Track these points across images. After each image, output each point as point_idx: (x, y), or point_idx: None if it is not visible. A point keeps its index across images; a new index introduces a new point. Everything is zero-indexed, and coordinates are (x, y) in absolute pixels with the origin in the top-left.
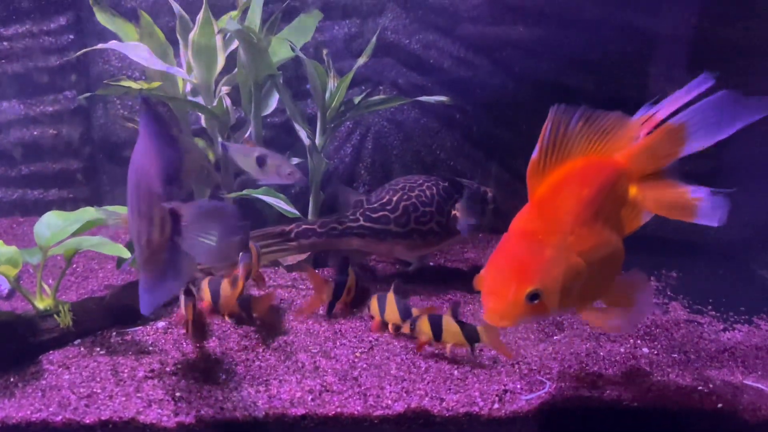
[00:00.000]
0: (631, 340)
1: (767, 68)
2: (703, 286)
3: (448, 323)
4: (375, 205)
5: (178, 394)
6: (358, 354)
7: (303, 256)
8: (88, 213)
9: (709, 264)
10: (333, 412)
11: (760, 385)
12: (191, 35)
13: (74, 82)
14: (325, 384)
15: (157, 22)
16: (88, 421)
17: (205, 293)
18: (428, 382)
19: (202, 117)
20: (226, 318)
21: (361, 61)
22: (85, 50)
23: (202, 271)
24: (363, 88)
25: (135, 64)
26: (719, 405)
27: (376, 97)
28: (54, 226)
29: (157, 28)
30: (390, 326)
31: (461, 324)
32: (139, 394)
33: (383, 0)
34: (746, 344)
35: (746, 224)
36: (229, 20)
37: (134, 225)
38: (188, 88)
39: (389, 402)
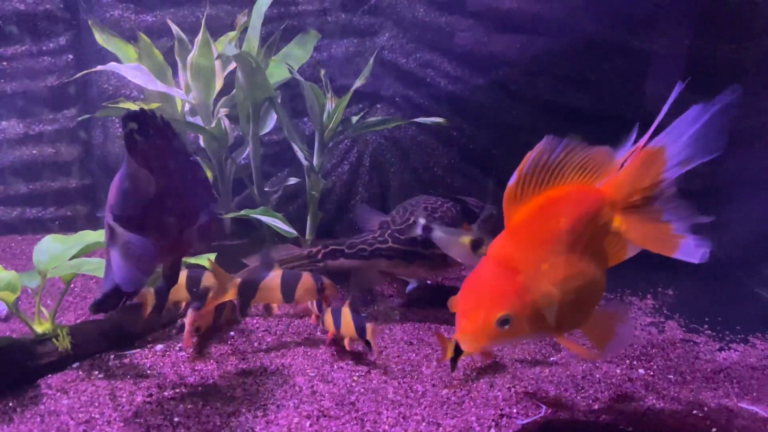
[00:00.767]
0: (627, 361)
1: (763, 87)
2: (699, 304)
3: (345, 315)
4: (402, 226)
5: (176, 419)
6: (355, 378)
7: None
8: (88, 236)
9: (705, 281)
10: None
11: (755, 408)
12: (190, 57)
13: (73, 101)
14: (322, 409)
15: (155, 43)
16: None
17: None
18: (425, 407)
19: (201, 137)
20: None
21: (359, 83)
22: (84, 72)
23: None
24: (360, 106)
25: (133, 85)
26: (713, 430)
27: (373, 118)
28: (53, 250)
29: (155, 49)
30: (346, 341)
31: (356, 318)
32: (137, 420)
33: (380, 20)
34: (742, 364)
35: (742, 241)
36: (228, 45)
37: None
38: (187, 108)
39: (386, 427)
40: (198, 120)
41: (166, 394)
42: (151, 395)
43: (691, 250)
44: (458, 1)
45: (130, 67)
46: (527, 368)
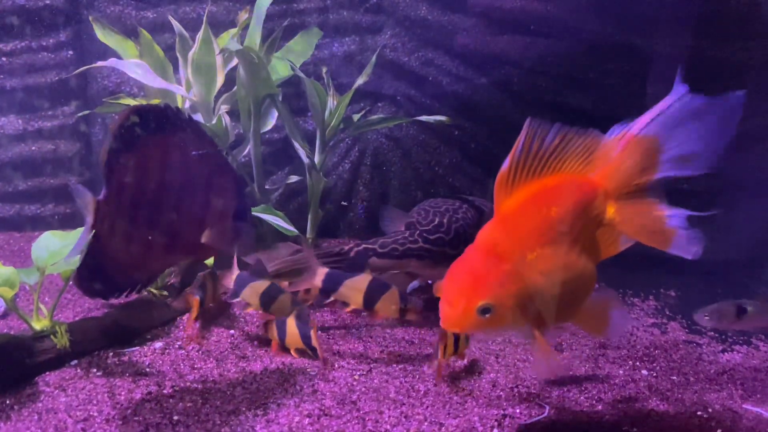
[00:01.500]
0: (630, 362)
1: (765, 87)
2: (702, 305)
3: (290, 326)
4: (429, 227)
5: (175, 417)
6: (356, 377)
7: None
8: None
9: (707, 282)
10: None
11: (759, 410)
12: (191, 54)
13: (73, 98)
14: (323, 408)
15: (156, 40)
16: None
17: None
18: (427, 407)
19: None
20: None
21: (361, 80)
22: (84, 68)
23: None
24: (362, 104)
25: (134, 81)
26: (718, 431)
27: (375, 117)
28: (52, 246)
29: (156, 45)
30: (292, 350)
31: (300, 326)
32: (136, 418)
33: (382, 18)
34: (745, 366)
35: (744, 242)
36: (230, 40)
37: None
38: (187, 104)
39: (388, 427)
40: (199, 117)
41: (165, 392)
42: (150, 393)
43: (683, 245)
44: (460, 0)
45: (131, 63)
46: (530, 368)
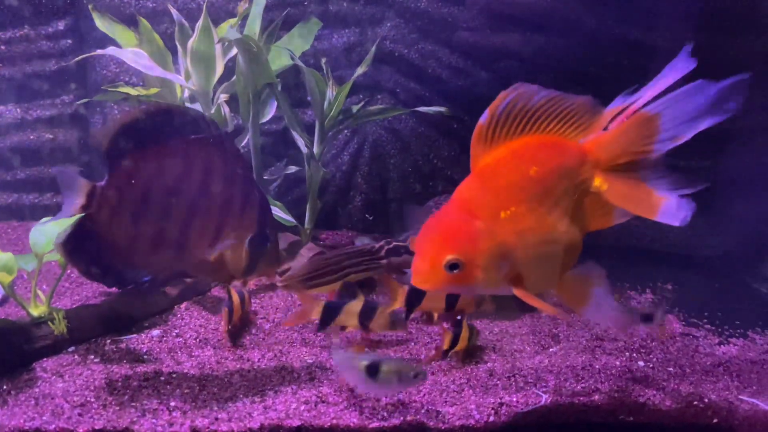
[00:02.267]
0: (627, 353)
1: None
2: (699, 298)
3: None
4: None
5: (172, 403)
6: None
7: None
8: None
9: (704, 276)
10: (328, 424)
11: (755, 401)
12: (190, 43)
13: (72, 87)
14: (320, 395)
15: (156, 29)
16: (81, 431)
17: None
18: (424, 395)
19: None
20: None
21: (360, 70)
22: (83, 56)
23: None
24: (361, 96)
25: (133, 70)
26: (715, 420)
27: (374, 107)
28: (50, 232)
29: (156, 34)
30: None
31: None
32: (133, 404)
33: (383, 9)
34: (741, 358)
35: (740, 237)
36: (230, 29)
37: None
38: (186, 94)
39: (385, 414)
40: (197, 106)
41: (162, 378)
42: (147, 380)
43: (672, 213)
44: None
45: (130, 51)
46: (527, 358)
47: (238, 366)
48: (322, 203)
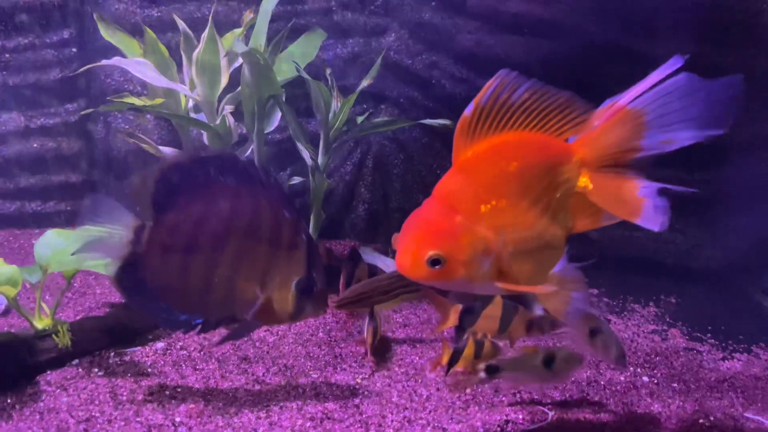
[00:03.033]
0: (631, 369)
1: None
2: (702, 312)
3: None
4: None
5: (177, 419)
6: (359, 380)
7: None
8: (90, 232)
9: (707, 289)
10: None
11: (760, 418)
12: (195, 53)
13: (76, 95)
14: (326, 411)
15: (160, 38)
16: None
17: None
18: (430, 411)
19: (205, 134)
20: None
21: (365, 83)
22: (88, 66)
23: None
24: (365, 106)
25: (137, 80)
26: None
27: (379, 119)
28: (55, 245)
29: (161, 44)
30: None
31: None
32: (138, 419)
33: (387, 20)
34: (746, 374)
35: (743, 249)
36: (236, 41)
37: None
38: (191, 104)
39: (391, 431)
40: (202, 116)
41: (167, 393)
42: (152, 394)
43: (651, 216)
44: (465, 3)
45: (135, 61)
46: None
47: (242, 380)
48: (326, 213)
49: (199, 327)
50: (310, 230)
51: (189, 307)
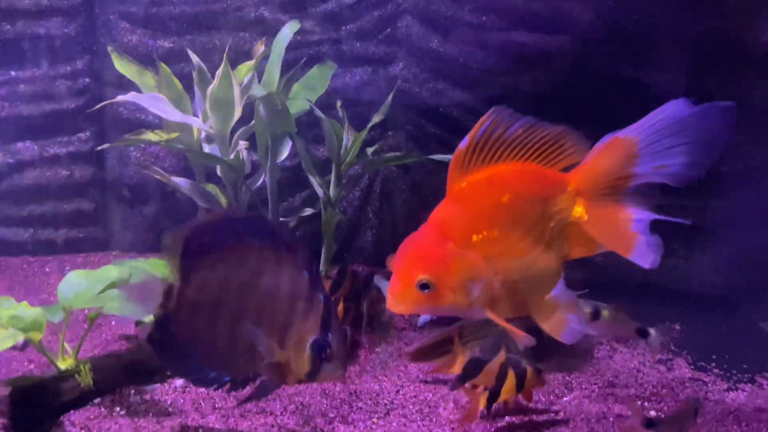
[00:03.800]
0: (639, 402)
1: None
2: (706, 340)
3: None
4: None
5: None
6: (375, 419)
7: None
8: (111, 273)
9: (711, 315)
10: None
11: None
12: (210, 89)
13: (88, 125)
14: None
15: (172, 68)
16: None
17: None
18: None
19: (218, 166)
20: None
21: (377, 119)
22: (105, 103)
23: None
24: (373, 133)
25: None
26: None
27: (390, 154)
28: (78, 286)
29: (175, 78)
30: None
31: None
32: None
33: (394, 49)
34: (750, 406)
35: (746, 275)
36: (256, 86)
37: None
38: (203, 134)
39: None
40: (215, 148)
41: None
42: None
43: (643, 253)
44: (472, 33)
45: (150, 96)
46: (541, 408)
47: (261, 420)
48: (336, 245)
49: (228, 385)
50: (322, 261)
51: (217, 365)
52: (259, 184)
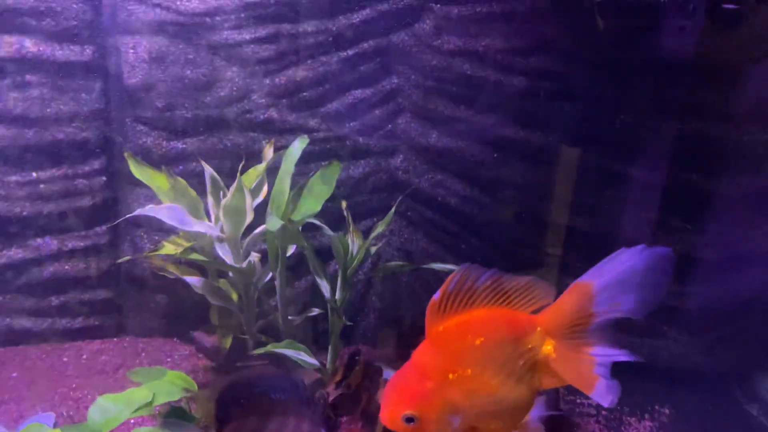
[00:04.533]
0: None
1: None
2: (694, 425)
3: None
4: None
5: None
6: None
7: None
8: (136, 397)
9: (699, 397)
10: None
11: None
12: (224, 201)
13: (103, 220)
14: None
15: (184, 168)
16: None
17: None
18: None
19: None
20: None
21: (380, 229)
22: (125, 217)
23: None
24: (375, 219)
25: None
26: None
27: (393, 263)
28: (107, 411)
29: (190, 189)
30: None
31: None
32: None
33: (394, 144)
34: None
35: (735, 354)
36: (271, 217)
37: None
38: (216, 235)
39: None
40: (226, 249)
41: None
42: None
43: (602, 394)
44: (469, 129)
45: (167, 208)
46: None
47: None
48: (343, 347)
49: None
50: (329, 361)
51: None
52: (267, 280)
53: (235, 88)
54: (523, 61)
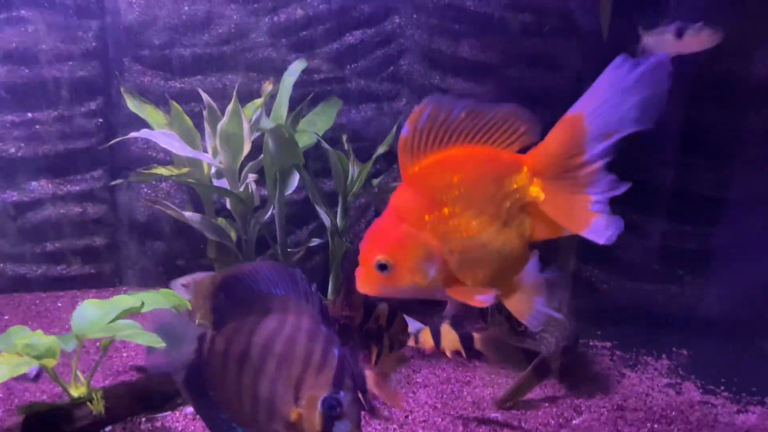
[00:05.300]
0: (648, 424)
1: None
2: (714, 364)
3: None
4: None
5: None
6: None
7: None
8: (124, 302)
9: (718, 340)
10: None
11: None
12: (220, 125)
13: (100, 162)
14: None
15: (183, 107)
16: None
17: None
18: None
19: (228, 200)
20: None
21: (381, 150)
22: (118, 139)
23: None
24: (378, 166)
25: (159, 146)
26: None
27: (395, 184)
28: (91, 316)
29: (185, 116)
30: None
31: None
32: None
33: (398, 87)
34: (761, 428)
35: (750, 300)
36: (264, 119)
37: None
38: (213, 169)
39: None
40: (224, 182)
41: None
42: None
43: (599, 230)
44: (473, 67)
45: (162, 133)
46: (551, 431)
47: None
48: (343, 275)
49: None
50: (329, 290)
51: (243, 420)
52: (267, 217)
53: (233, 26)
54: None
